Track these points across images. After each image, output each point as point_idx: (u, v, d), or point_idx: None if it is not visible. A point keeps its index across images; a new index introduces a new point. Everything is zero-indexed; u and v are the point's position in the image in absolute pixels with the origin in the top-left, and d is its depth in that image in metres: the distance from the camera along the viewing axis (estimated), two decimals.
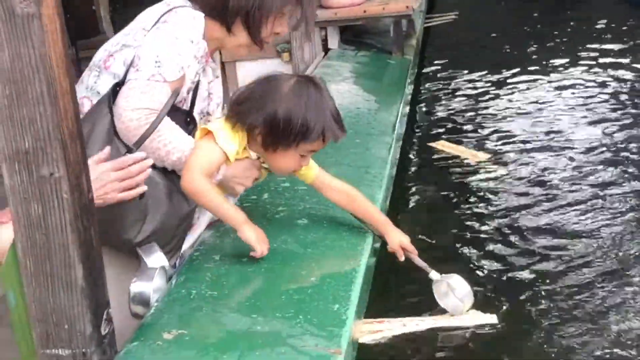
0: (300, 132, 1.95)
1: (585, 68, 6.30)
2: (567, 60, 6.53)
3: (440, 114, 5.42)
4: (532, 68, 6.35)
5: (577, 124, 4.97)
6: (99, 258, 1.58)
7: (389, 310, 2.39)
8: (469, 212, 3.69)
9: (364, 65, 4.99)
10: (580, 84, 5.88)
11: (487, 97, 5.74)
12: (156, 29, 2.06)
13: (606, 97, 5.51)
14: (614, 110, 5.21)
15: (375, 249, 2.28)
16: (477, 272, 3.00)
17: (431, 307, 2.23)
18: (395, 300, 2.76)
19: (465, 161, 4.36)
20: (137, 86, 1.97)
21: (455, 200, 3.87)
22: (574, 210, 3.61)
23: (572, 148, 4.50)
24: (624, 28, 7.56)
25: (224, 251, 2.08)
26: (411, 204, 3.89)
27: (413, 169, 4.40)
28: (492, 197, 3.86)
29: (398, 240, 2.20)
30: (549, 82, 6.00)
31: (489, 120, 5.20)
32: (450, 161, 4.40)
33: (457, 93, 5.90)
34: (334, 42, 5.26)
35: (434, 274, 2.21)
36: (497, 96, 5.74)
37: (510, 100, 5.62)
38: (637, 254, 3.11)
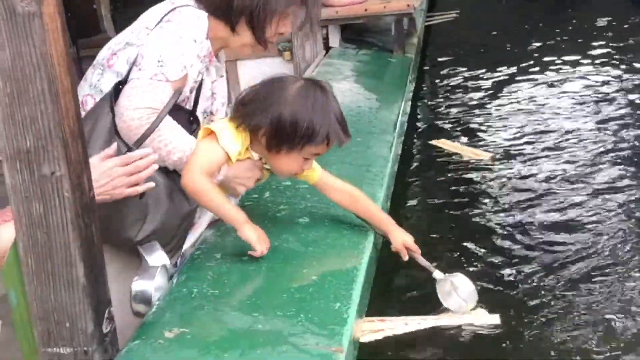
0: (305, 134, 1.95)
1: (586, 66, 6.30)
2: (568, 58, 6.52)
3: (442, 113, 5.42)
4: (533, 66, 6.35)
5: (578, 122, 4.96)
6: (100, 256, 1.58)
7: (390, 309, 2.40)
8: (470, 210, 3.69)
9: (365, 63, 4.99)
10: (582, 82, 5.87)
11: (488, 95, 5.74)
12: (159, 28, 2.07)
13: (607, 95, 5.50)
14: (615, 108, 5.20)
15: (377, 248, 2.28)
16: (480, 270, 3.00)
17: (433, 306, 2.23)
18: (397, 299, 2.76)
19: (467, 159, 4.36)
20: (139, 85, 1.97)
21: (456, 198, 3.87)
22: (577, 208, 3.60)
23: (574, 146, 4.50)
24: (625, 26, 7.55)
25: (225, 250, 2.08)
26: (412, 203, 3.90)
27: (414, 167, 4.40)
28: (494, 195, 3.85)
29: (401, 239, 2.20)
30: (550, 80, 6.00)
31: (490, 119, 5.19)
32: (451, 159, 4.40)
33: (458, 91, 5.89)
34: (335, 40, 5.26)
35: (437, 273, 2.21)
36: (498, 94, 5.73)
37: (511, 99, 5.62)
38: None
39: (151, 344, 1.65)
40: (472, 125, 5.06)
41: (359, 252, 2.13)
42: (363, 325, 2.03)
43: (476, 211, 3.67)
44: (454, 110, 5.43)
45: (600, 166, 4.13)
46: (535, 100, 5.51)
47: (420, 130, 5.08)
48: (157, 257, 1.95)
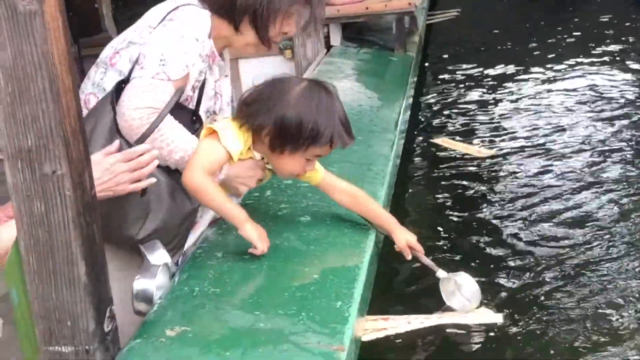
0: (310, 136, 1.94)
1: (587, 65, 6.30)
2: (569, 57, 6.52)
3: (443, 111, 5.42)
4: (534, 65, 6.35)
5: (579, 121, 4.97)
6: (102, 255, 1.58)
7: (391, 308, 2.40)
8: (472, 208, 3.69)
9: (366, 62, 4.99)
10: (582, 81, 5.88)
11: (489, 93, 5.75)
12: (162, 27, 2.06)
13: (608, 94, 5.51)
14: (616, 107, 5.21)
15: (378, 246, 2.28)
16: (482, 269, 2.99)
17: (435, 304, 2.23)
18: (398, 298, 2.76)
19: (468, 157, 4.36)
20: (140, 85, 1.97)
21: (458, 196, 3.87)
22: (580, 206, 3.61)
23: (574, 144, 4.50)
24: (627, 24, 7.55)
25: (226, 248, 2.08)
26: (414, 201, 3.90)
27: (416, 165, 4.40)
28: (496, 193, 3.86)
29: (405, 239, 2.20)
30: (551, 78, 6.00)
31: (491, 117, 5.20)
32: (453, 157, 4.40)
33: (459, 90, 5.90)
34: (336, 39, 5.26)
35: (440, 272, 2.20)
36: (499, 93, 5.74)
37: (512, 97, 5.62)
38: None
39: (152, 342, 1.65)
40: (473, 124, 5.07)
41: (360, 250, 2.13)
42: (365, 323, 2.03)
43: (478, 209, 3.67)
44: (455, 109, 5.43)
45: (602, 164, 4.14)
46: (536, 99, 5.52)
47: (421, 128, 5.08)
48: (159, 256, 1.95)
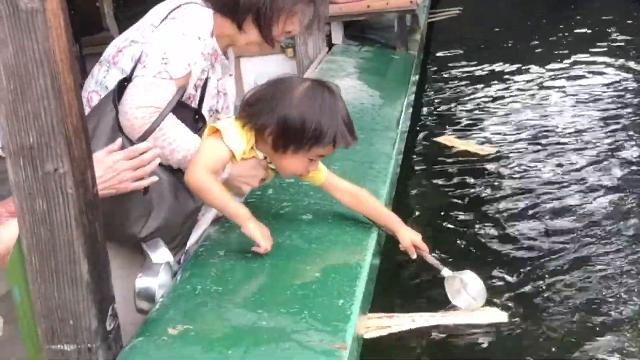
0: (313, 136, 1.94)
1: (589, 63, 6.29)
2: (572, 55, 6.52)
3: (445, 109, 5.42)
4: (536, 63, 6.34)
5: (581, 118, 4.96)
6: (104, 253, 1.58)
7: (393, 306, 2.39)
8: (475, 207, 3.68)
9: (368, 60, 4.98)
10: (585, 79, 5.87)
11: (490, 91, 5.74)
12: (164, 26, 2.06)
13: (610, 91, 5.50)
14: (618, 104, 5.20)
15: (380, 244, 2.28)
16: (486, 268, 2.98)
17: (438, 303, 2.22)
18: (400, 296, 2.76)
19: (470, 155, 4.35)
20: (143, 83, 1.96)
21: (460, 195, 3.86)
22: (585, 203, 3.60)
23: (576, 142, 4.50)
24: (629, 22, 7.54)
25: (229, 247, 2.08)
26: (416, 199, 3.89)
27: (418, 163, 4.39)
28: (499, 191, 3.85)
29: (409, 238, 2.20)
30: (554, 76, 5.99)
31: (493, 115, 5.19)
32: (454, 156, 4.39)
33: (461, 88, 5.89)
34: (337, 37, 5.25)
35: (445, 271, 2.20)
36: (501, 91, 5.73)
37: (514, 95, 5.62)
38: None
39: (155, 340, 1.65)
40: (475, 121, 5.06)
41: (362, 248, 2.13)
42: (369, 321, 2.03)
43: (481, 207, 3.66)
44: (457, 107, 5.42)
45: (604, 162, 4.14)
46: (538, 97, 5.51)
47: (423, 126, 5.07)
48: (161, 254, 1.95)
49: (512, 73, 6.15)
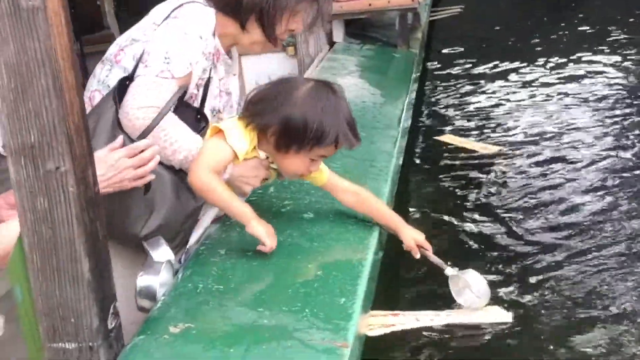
0: (315, 136, 1.94)
1: (590, 61, 6.29)
2: (573, 53, 6.51)
3: (446, 107, 5.42)
4: (537, 61, 6.34)
5: (583, 116, 4.96)
6: (105, 251, 1.58)
7: (395, 304, 2.39)
8: (476, 205, 3.69)
9: (370, 58, 4.98)
10: (586, 77, 5.88)
11: (492, 90, 5.74)
12: (166, 24, 2.06)
13: (612, 90, 5.50)
14: (619, 102, 5.20)
15: (382, 242, 2.28)
16: (488, 267, 2.99)
17: (439, 300, 2.22)
18: (402, 294, 2.76)
19: (472, 153, 4.35)
20: (144, 83, 1.96)
21: (462, 193, 3.86)
22: (586, 202, 3.60)
23: (577, 141, 4.50)
24: (631, 20, 7.54)
25: (230, 245, 2.08)
26: (418, 198, 3.89)
27: (419, 161, 4.39)
28: (501, 189, 3.85)
29: (412, 237, 2.19)
30: (555, 74, 5.99)
31: (495, 113, 5.19)
32: (456, 154, 4.39)
33: (462, 86, 5.89)
34: (339, 35, 5.25)
35: (449, 270, 2.19)
36: (501, 89, 5.73)
37: (515, 93, 5.62)
38: None
39: (156, 339, 1.65)
40: (476, 120, 5.06)
41: (364, 246, 2.13)
42: (373, 319, 2.03)
43: (484, 206, 3.66)
44: (458, 105, 5.42)
45: (606, 160, 4.13)
46: (539, 95, 5.51)
47: (424, 124, 5.07)
48: (162, 253, 1.95)
49: (513, 71, 6.15)
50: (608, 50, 6.55)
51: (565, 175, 3.97)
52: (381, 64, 4.94)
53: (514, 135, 4.71)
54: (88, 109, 1.92)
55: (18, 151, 1.42)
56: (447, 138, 4.63)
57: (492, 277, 2.82)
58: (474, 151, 4.38)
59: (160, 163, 1.95)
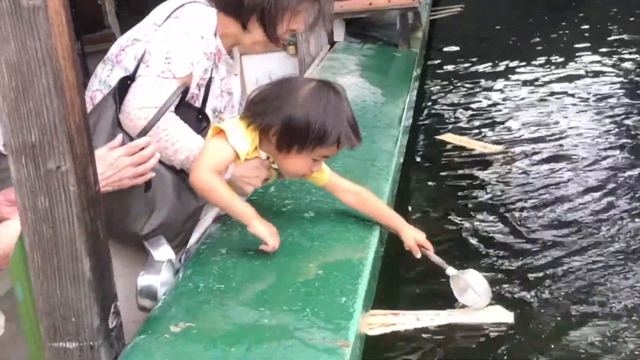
0: (317, 136, 1.94)
1: (590, 60, 6.29)
2: (573, 52, 6.52)
3: (447, 107, 5.42)
4: (538, 60, 6.35)
5: (583, 116, 4.96)
6: (106, 250, 1.58)
7: (396, 303, 2.39)
8: (477, 204, 3.68)
9: (370, 58, 4.98)
10: (586, 76, 5.87)
11: (492, 89, 5.74)
12: (167, 24, 2.06)
13: (613, 88, 5.50)
14: (621, 101, 5.20)
15: (383, 242, 2.28)
16: (489, 266, 2.99)
17: (440, 300, 2.22)
18: (403, 293, 2.76)
19: (473, 153, 4.35)
20: (145, 83, 1.96)
21: (463, 192, 3.86)
22: (586, 201, 3.60)
23: (578, 140, 4.50)
24: (632, 19, 7.53)
25: (230, 245, 2.08)
26: (419, 197, 3.89)
27: (420, 161, 4.39)
28: (501, 189, 3.85)
29: (413, 237, 2.19)
30: (555, 74, 5.99)
31: (495, 112, 5.19)
32: (457, 153, 4.39)
33: (463, 85, 5.89)
34: (339, 35, 5.25)
35: (450, 270, 2.19)
36: (502, 88, 5.73)
37: (516, 93, 5.62)
38: None
39: (157, 338, 1.65)
40: (477, 119, 5.06)
41: (364, 246, 2.13)
42: (374, 318, 2.03)
43: (485, 205, 3.66)
44: (459, 104, 5.42)
45: (606, 159, 4.13)
46: (539, 94, 5.51)
47: (425, 124, 5.07)
48: (163, 252, 1.95)
49: (514, 70, 6.15)
50: (608, 50, 6.55)
51: (566, 174, 3.97)
52: (382, 63, 4.94)
53: (514, 134, 4.71)
54: (89, 108, 1.92)
55: (19, 150, 1.42)
56: (447, 137, 4.62)
57: (492, 275, 2.82)
58: (475, 150, 4.38)
59: (162, 163, 1.95)
